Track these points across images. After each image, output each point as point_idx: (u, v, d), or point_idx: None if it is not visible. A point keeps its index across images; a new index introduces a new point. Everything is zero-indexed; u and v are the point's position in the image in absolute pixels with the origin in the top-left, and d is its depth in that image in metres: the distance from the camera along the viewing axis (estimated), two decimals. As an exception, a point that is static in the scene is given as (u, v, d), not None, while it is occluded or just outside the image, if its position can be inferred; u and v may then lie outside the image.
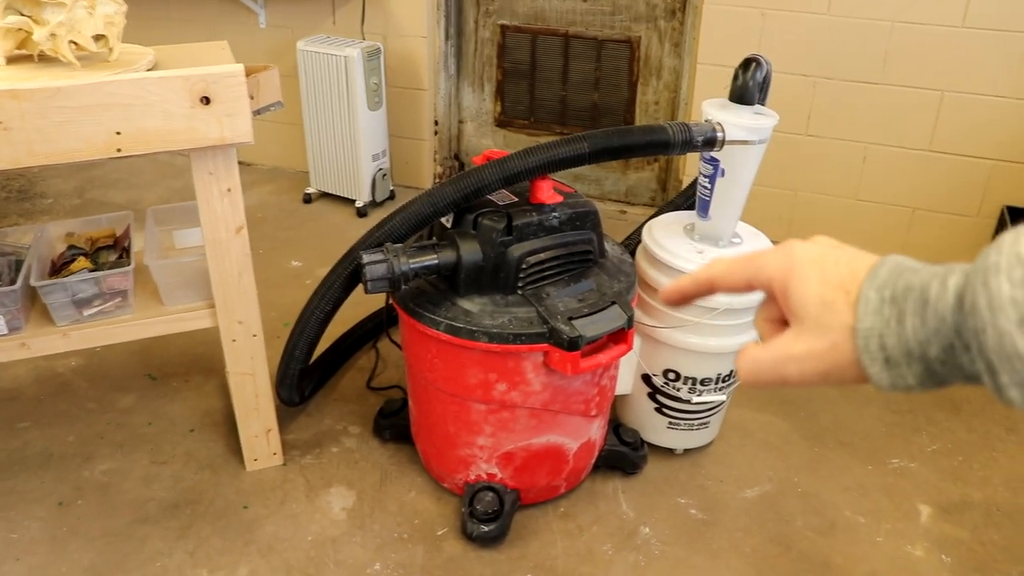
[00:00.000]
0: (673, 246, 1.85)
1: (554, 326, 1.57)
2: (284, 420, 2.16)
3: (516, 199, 1.70)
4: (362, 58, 3.02)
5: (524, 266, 1.63)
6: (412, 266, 1.59)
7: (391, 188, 3.41)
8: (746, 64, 1.77)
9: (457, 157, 3.65)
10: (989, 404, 2.32)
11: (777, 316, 0.55)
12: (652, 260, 1.87)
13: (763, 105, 1.89)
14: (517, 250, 1.62)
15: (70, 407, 2.22)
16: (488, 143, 3.56)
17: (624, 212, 3.39)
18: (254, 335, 1.86)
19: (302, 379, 1.98)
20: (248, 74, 1.79)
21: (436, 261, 1.61)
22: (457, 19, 3.37)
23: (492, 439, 1.77)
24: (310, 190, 3.43)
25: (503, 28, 3.31)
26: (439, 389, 1.76)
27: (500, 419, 1.74)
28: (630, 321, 1.64)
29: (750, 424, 2.21)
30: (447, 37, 3.36)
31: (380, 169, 3.28)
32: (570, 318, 1.59)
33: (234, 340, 1.86)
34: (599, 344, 1.65)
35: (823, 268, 0.49)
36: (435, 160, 3.54)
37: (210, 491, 1.95)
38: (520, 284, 1.64)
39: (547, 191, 1.66)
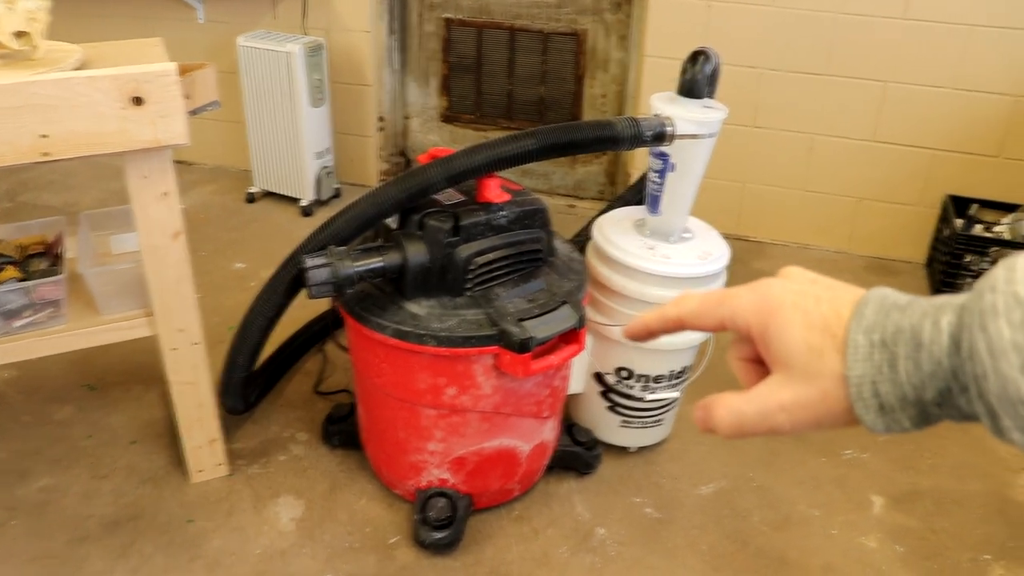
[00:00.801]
0: (624, 242, 1.82)
1: (504, 328, 1.54)
2: (229, 428, 2.09)
3: (463, 198, 1.66)
4: (304, 54, 2.95)
5: (472, 267, 1.59)
6: (356, 269, 1.55)
7: (336, 186, 3.34)
8: (694, 57, 1.75)
9: (403, 154, 3.60)
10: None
11: (752, 356, 0.52)
12: (603, 257, 1.84)
13: (712, 98, 1.87)
14: (464, 251, 1.58)
15: (3, 421, 2.13)
16: (434, 139, 3.51)
17: (573, 206, 3.36)
18: (195, 343, 1.80)
19: (246, 386, 1.92)
20: (183, 72, 1.73)
21: (381, 264, 1.57)
22: (401, 13, 3.31)
23: (443, 444, 1.73)
24: (253, 189, 3.34)
25: (447, 22, 3.26)
26: (387, 394, 1.72)
27: (451, 424, 1.70)
28: (581, 321, 1.61)
29: (704, 419, 2.20)
30: (391, 31, 3.30)
31: (324, 167, 3.21)
32: (520, 319, 1.56)
33: (174, 349, 1.79)
34: (550, 345, 1.62)
35: (805, 311, 0.46)
36: (381, 157, 3.48)
37: (153, 506, 1.88)
38: (469, 285, 1.61)
39: (494, 189, 1.62)
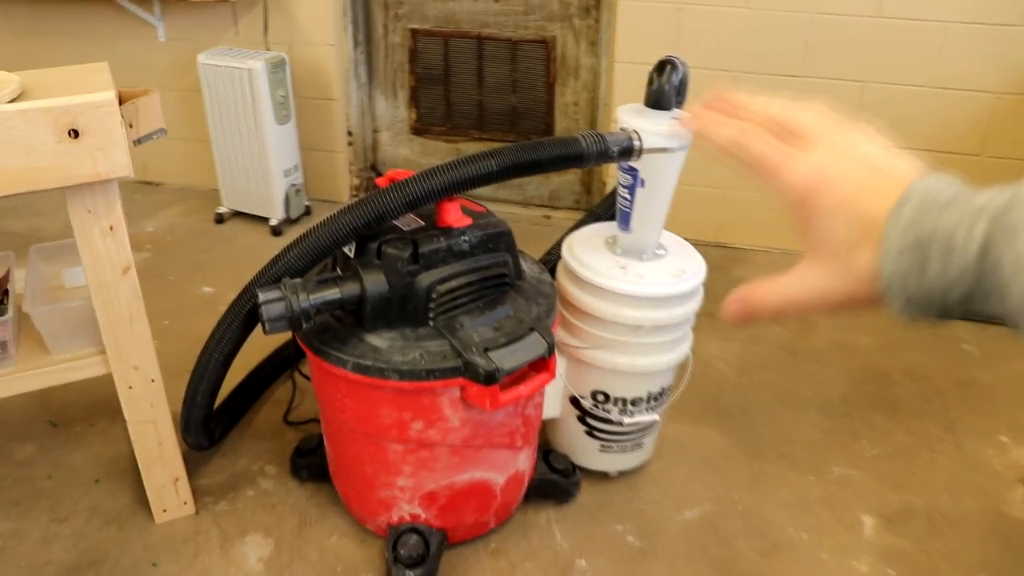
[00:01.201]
0: (594, 262, 1.75)
1: (469, 359, 1.46)
2: (195, 464, 2.01)
3: (423, 223, 1.58)
4: (266, 70, 2.87)
5: (434, 295, 1.52)
6: (313, 302, 1.47)
7: (306, 203, 3.26)
8: (661, 67, 1.68)
9: (374, 167, 3.52)
10: (927, 404, 2.29)
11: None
12: (574, 278, 1.77)
13: (682, 108, 1.80)
14: (425, 279, 1.51)
15: (-42, 464, 2.04)
16: (405, 152, 3.44)
17: (548, 217, 3.30)
18: (152, 380, 1.72)
19: (209, 422, 1.84)
20: (125, 100, 1.65)
21: (339, 295, 1.49)
22: (365, 25, 3.23)
23: (412, 479, 1.66)
24: (222, 209, 3.26)
25: (413, 32, 3.19)
26: (352, 430, 1.65)
27: (419, 458, 1.62)
28: (550, 348, 1.53)
29: (686, 440, 2.14)
30: (356, 44, 3.22)
31: (293, 184, 3.13)
32: (486, 349, 1.48)
33: (130, 387, 1.71)
34: (519, 374, 1.55)
35: (849, 207, 0.47)
36: (351, 172, 3.40)
37: (115, 549, 1.80)
38: (431, 315, 1.53)
39: (454, 213, 1.55)
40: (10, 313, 1.66)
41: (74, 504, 1.92)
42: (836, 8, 2.66)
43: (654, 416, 1.88)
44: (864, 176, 0.48)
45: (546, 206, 3.34)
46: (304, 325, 1.49)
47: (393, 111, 3.37)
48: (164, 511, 1.87)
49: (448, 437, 1.59)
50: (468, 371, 1.47)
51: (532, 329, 1.55)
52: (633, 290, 1.69)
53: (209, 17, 3.19)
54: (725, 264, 3.00)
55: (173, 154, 3.52)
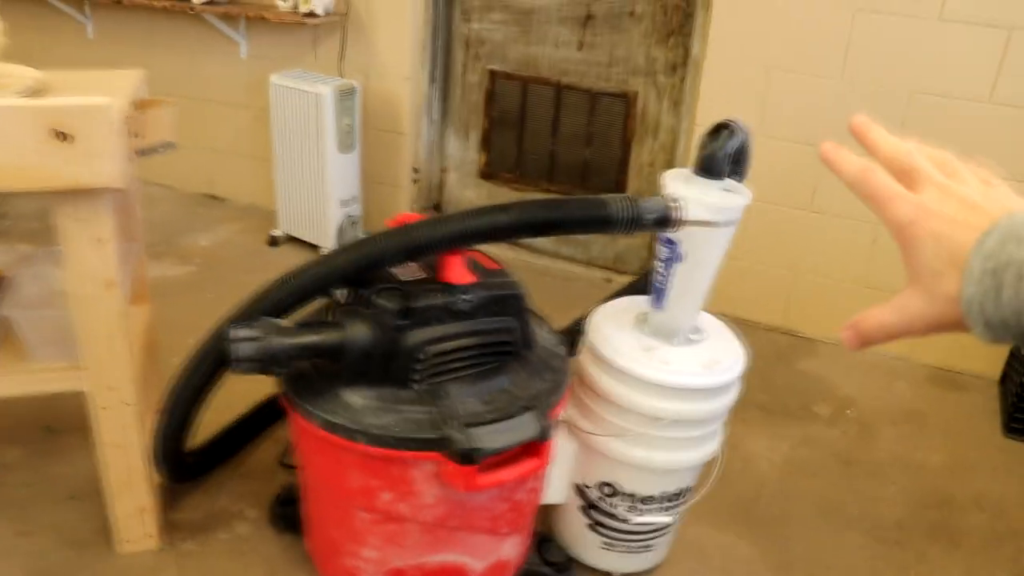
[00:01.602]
0: (618, 340, 1.57)
1: (447, 433, 1.30)
2: (174, 496, 1.90)
3: (425, 276, 1.44)
4: (334, 97, 2.80)
5: (421, 356, 1.36)
6: (287, 346, 1.33)
7: (360, 236, 3.17)
8: (716, 130, 1.50)
9: (438, 207, 3.41)
10: (996, 542, 2.00)
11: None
12: (593, 355, 1.59)
13: (740, 179, 1.62)
14: (414, 337, 1.36)
15: (-54, 462, 1.98)
16: (471, 195, 3.32)
17: (610, 280, 3.11)
18: (127, 404, 1.62)
19: (180, 456, 1.72)
20: (141, 109, 1.57)
21: (317, 342, 1.35)
22: (444, 61, 3.15)
23: (379, 552, 1.49)
24: (276, 232, 3.20)
25: (492, 74, 3.08)
26: (321, 488, 1.50)
27: (387, 532, 1.46)
28: (544, 433, 1.36)
29: (708, 545, 1.91)
30: (432, 80, 3.13)
31: (349, 215, 3.05)
32: (468, 424, 1.32)
33: (104, 408, 1.61)
34: (509, 455, 1.37)
35: (939, 239, 0.52)
36: (413, 209, 3.30)
37: (65, 575, 1.69)
38: (417, 377, 1.38)
39: (457, 269, 1.40)
40: (-6, 312, 1.58)
41: (41, 519, 1.83)
42: (941, 89, 2.42)
43: (667, 519, 1.67)
44: (958, 211, 0.53)
45: (610, 268, 3.16)
46: (276, 370, 1.36)
47: (463, 152, 3.26)
48: (127, 542, 1.76)
49: (420, 514, 1.42)
50: (444, 446, 1.31)
51: (527, 408, 1.37)
52: (654, 376, 1.50)
53: (291, 39, 3.16)
54: (789, 354, 2.75)
55: (241, 171, 3.50)
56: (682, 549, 1.87)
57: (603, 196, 1.38)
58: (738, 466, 2.19)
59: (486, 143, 3.20)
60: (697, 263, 1.53)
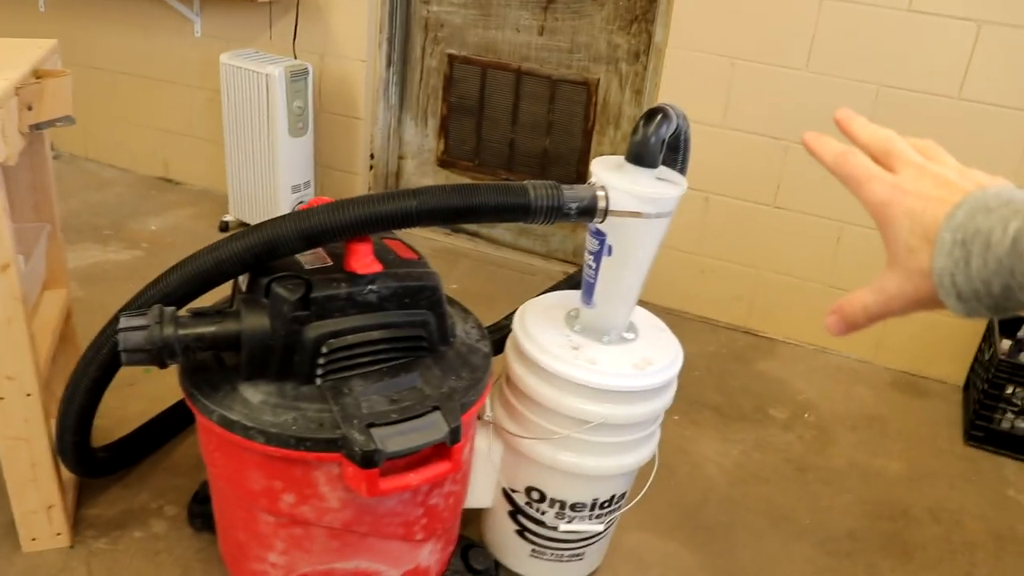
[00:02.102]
0: (544, 338, 1.48)
1: (346, 433, 1.21)
2: (91, 491, 1.81)
3: (331, 264, 1.34)
4: (285, 78, 2.70)
5: (324, 351, 1.27)
6: (179, 336, 1.24)
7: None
8: (649, 116, 1.40)
9: (397, 195, 3.31)
10: (950, 555, 1.92)
11: None
12: (518, 352, 1.51)
13: (680, 168, 1.53)
14: (314, 329, 1.27)
15: None
16: (429, 183, 3.21)
17: (568, 274, 3.02)
18: (28, 394, 1.52)
19: (85, 450, 1.62)
20: (38, 79, 1.47)
21: (212, 332, 1.26)
22: (403, 44, 3.04)
23: (285, 557, 1.40)
24: (228, 217, 3.10)
25: (451, 58, 2.98)
26: (225, 488, 1.41)
27: (292, 535, 1.37)
28: (454, 435, 1.27)
29: (648, 554, 1.82)
30: (389, 63, 3.03)
31: (301, 201, 2.95)
32: (369, 425, 1.22)
33: (2, 398, 1.52)
34: (419, 457, 1.28)
35: (914, 217, 0.53)
36: (370, 197, 3.21)
37: (-32, 575, 1.60)
38: (319, 372, 1.29)
39: (363, 257, 1.30)
40: None
41: (-51, 516, 1.73)
42: (908, 83, 2.34)
43: (598, 527, 1.59)
44: (932, 188, 0.54)
45: (569, 261, 3.07)
46: (168, 361, 1.26)
47: (421, 139, 3.16)
48: (33, 540, 1.67)
49: (324, 518, 1.33)
50: (344, 447, 1.22)
51: (436, 408, 1.28)
52: (579, 376, 1.41)
53: (246, 18, 3.06)
54: (748, 354, 2.66)
55: (195, 155, 3.39)
56: (619, 557, 1.79)
57: (525, 182, 1.30)
58: (686, 470, 2.10)
59: (444, 130, 3.10)
60: (627, 257, 1.44)
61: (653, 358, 1.48)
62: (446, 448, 1.28)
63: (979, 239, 0.48)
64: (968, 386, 2.55)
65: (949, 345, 2.57)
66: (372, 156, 3.14)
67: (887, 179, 0.57)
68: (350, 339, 1.29)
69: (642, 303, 1.57)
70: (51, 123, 1.44)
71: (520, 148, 3.00)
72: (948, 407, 2.52)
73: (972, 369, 2.54)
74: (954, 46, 2.28)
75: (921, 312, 0.55)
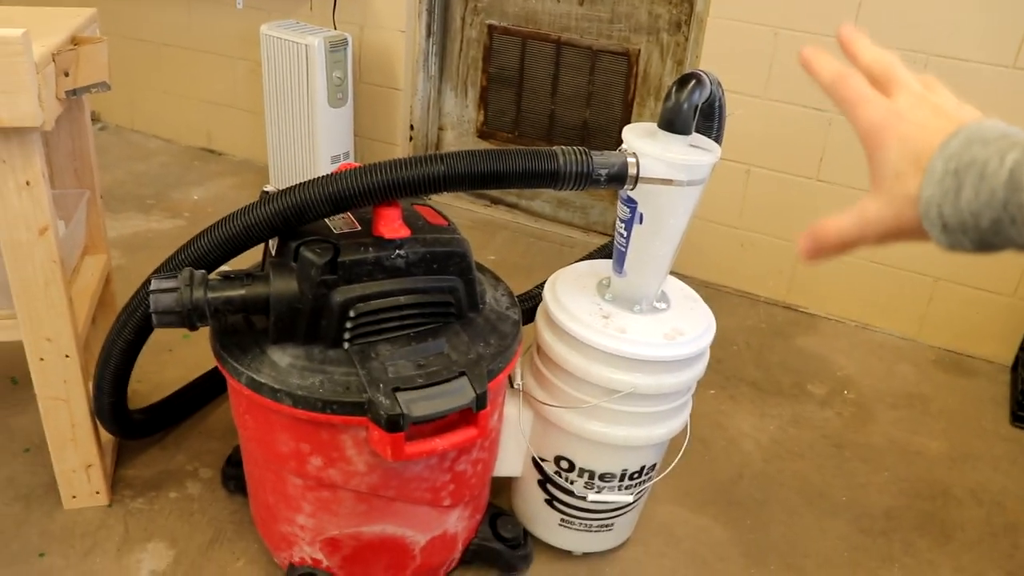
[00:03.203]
0: (575, 306, 1.47)
1: (372, 397, 1.21)
2: (129, 451, 1.86)
3: (359, 229, 1.35)
4: (324, 48, 2.70)
5: (351, 314, 1.28)
6: (210, 299, 1.25)
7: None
8: (682, 82, 1.37)
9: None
10: (991, 538, 1.88)
11: None
12: (548, 320, 1.50)
13: (715, 135, 1.51)
14: (342, 294, 1.27)
15: (-99, 410, 1.95)
16: (469, 154, 3.21)
17: (608, 247, 3.00)
18: (66, 356, 1.55)
19: (122, 411, 1.65)
20: (74, 45, 1.49)
21: (242, 295, 1.27)
22: (443, 15, 3.03)
23: (313, 520, 1.42)
24: (268, 188, 3.10)
25: (491, 28, 2.96)
26: (255, 451, 1.43)
27: (320, 498, 1.38)
28: (480, 401, 1.26)
29: (680, 528, 1.81)
30: (429, 33, 3.02)
31: (335, 168, 2.95)
32: (395, 389, 1.23)
33: (41, 359, 1.55)
34: (445, 422, 1.29)
35: (905, 140, 0.53)
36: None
37: (11, 529, 1.65)
38: (347, 336, 1.29)
39: (391, 222, 1.30)
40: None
41: (-5, 472, 1.79)
42: (961, 52, 2.26)
43: (627, 498, 1.58)
44: (929, 117, 0.53)
45: (608, 234, 3.04)
46: (197, 324, 1.28)
47: (461, 109, 3.15)
48: (74, 497, 1.71)
49: (351, 481, 1.34)
50: (370, 411, 1.22)
51: (462, 373, 1.28)
52: (608, 345, 1.39)
53: (288, -11, 3.07)
54: (788, 330, 2.62)
55: (238, 126, 3.42)
56: (649, 530, 1.78)
57: (555, 148, 1.28)
58: (721, 445, 2.08)
59: (484, 101, 3.09)
60: (658, 225, 1.41)
61: (684, 328, 1.46)
62: (472, 414, 1.28)
63: (973, 169, 0.47)
64: (1017, 366, 2.48)
65: (997, 324, 2.50)
66: (412, 127, 3.13)
67: (883, 103, 0.56)
68: (377, 303, 1.29)
69: (680, 276, 1.55)
70: (87, 89, 1.45)
71: (560, 119, 2.97)
72: (995, 387, 2.45)
73: (1021, 348, 2.47)
74: (1010, 14, 2.20)
75: (895, 243, 0.54)
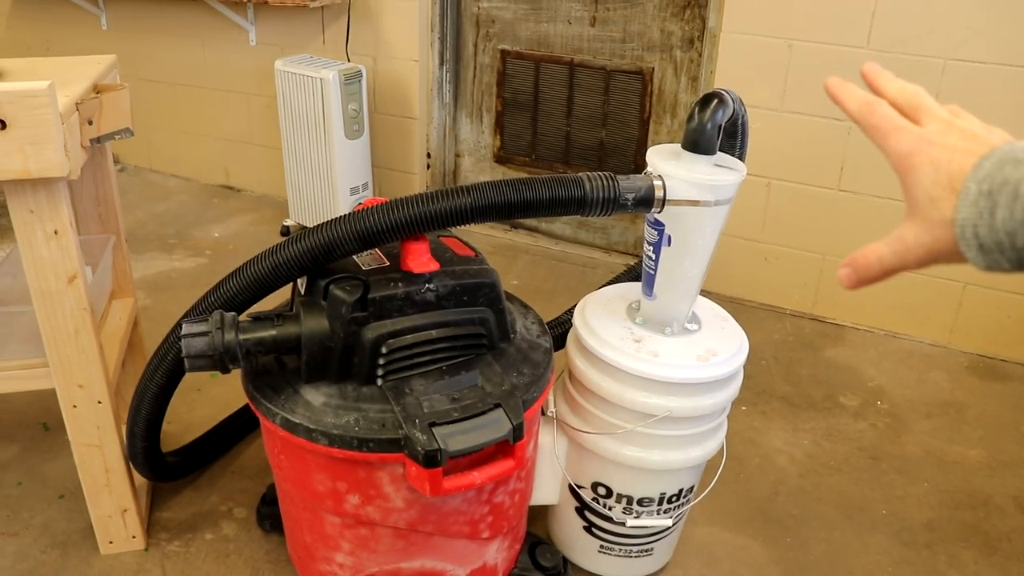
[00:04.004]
0: (605, 330, 1.46)
1: (408, 433, 1.21)
2: (163, 494, 1.85)
3: (387, 264, 1.34)
4: (339, 81, 2.72)
5: (384, 351, 1.27)
6: (242, 341, 1.25)
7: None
8: (705, 101, 1.37)
9: (454, 193, 3.31)
10: (1035, 545, 1.84)
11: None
12: (580, 346, 1.49)
13: (738, 154, 1.50)
14: (374, 330, 1.27)
15: (-62, 461, 1.96)
16: (486, 180, 3.21)
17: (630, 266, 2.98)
18: (99, 402, 1.55)
19: (155, 455, 1.65)
20: (96, 93, 1.50)
21: (273, 336, 1.27)
22: (455, 42, 3.04)
23: (352, 558, 1.41)
24: (288, 223, 3.14)
25: (503, 53, 2.97)
26: (291, 490, 1.42)
27: (358, 536, 1.37)
28: (517, 432, 1.25)
29: (718, 548, 1.79)
30: (442, 62, 3.03)
31: (360, 203, 2.97)
32: (432, 424, 1.22)
33: (74, 407, 1.56)
34: (481, 456, 1.28)
35: (937, 166, 0.53)
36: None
37: (51, 577, 1.65)
38: (380, 372, 1.29)
39: (419, 256, 1.30)
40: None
41: (30, 519, 1.79)
42: (979, 55, 2.25)
43: (666, 522, 1.56)
44: (959, 141, 0.53)
45: (630, 254, 3.04)
46: (230, 366, 1.28)
47: (477, 135, 3.16)
48: (110, 543, 1.71)
49: (390, 518, 1.33)
50: (407, 447, 1.22)
51: (498, 405, 1.27)
52: (642, 369, 1.38)
53: (299, 24, 3.09)
54: (816, 342, 2.60)
55: (255, 162, 3.45)
56: (688, 552, 1.76)
57: (581, 174, 1.28)
58: (755, 462, 2.06)
59: (500, 126, 3.09)
60: (686, 247, 1.40)
61: (717, 349, 1.45)
62: (509, 445, 1.27)
63: (1007, 189, 0.48)
64: (1051, 368, 2.45)
65: (1028, 328, 2.47)
66: (429, 155, 3.14)
67: (913, 130, 0.56)
68: (409, 339, 1.28)
69: (705, 293, 1.53)
70: (111, 136, 1.46)
71: (576, 141, 2.97)
72: (1030, 391, 2.42)
73: (1055, 351, 2.44)
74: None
75: (937, 266, 0.55)
